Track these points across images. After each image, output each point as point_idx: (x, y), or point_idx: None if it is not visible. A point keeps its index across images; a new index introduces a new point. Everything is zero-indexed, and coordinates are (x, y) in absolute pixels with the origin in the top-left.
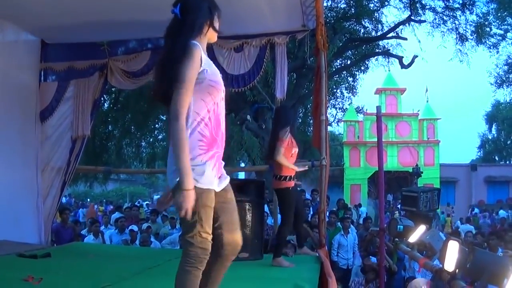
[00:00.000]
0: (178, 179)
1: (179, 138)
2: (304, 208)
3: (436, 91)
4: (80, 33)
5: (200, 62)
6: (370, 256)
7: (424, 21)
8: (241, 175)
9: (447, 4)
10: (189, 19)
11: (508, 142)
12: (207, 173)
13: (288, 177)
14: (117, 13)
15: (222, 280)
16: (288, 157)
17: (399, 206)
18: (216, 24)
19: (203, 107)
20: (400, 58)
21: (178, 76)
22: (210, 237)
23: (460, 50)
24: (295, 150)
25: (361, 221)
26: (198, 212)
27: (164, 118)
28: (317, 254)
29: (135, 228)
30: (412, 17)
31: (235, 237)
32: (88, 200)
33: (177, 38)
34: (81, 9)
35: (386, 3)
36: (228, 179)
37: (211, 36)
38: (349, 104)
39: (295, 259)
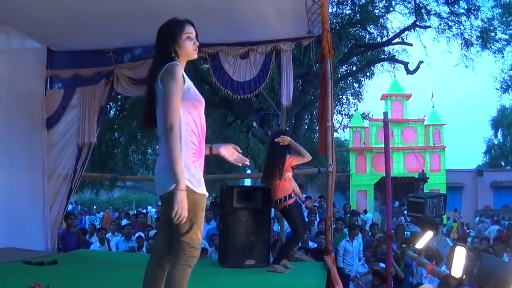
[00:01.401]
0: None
1: (175, 144)
2: (304, 224)
3: (442, 96)
4: (86, 40)
5: (184, 80)
6: (379, 262)
7: (429, 26)
8: (247, 182)
9: (452, 9)
10: (158, 53)
11: None
12: (201, 180)
13: (283, 198)
14: (122, 20)
15: (230, 286)
16: (285, 177)
17: (405, 212)
18: (185, 44)
19: (190, 119)
20: (405, 64)
21: (165, 95)
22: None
23: (466, 56)
24: (289, 174)
25: (367, 227)
26: (196, 215)
27: None
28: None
29: (142, 235)
30: (417, 23)
31: None
32: (95, 207)
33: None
34: (87, 17)
35: (391, 9)
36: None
37: (186, 55)
38: (354, 110)
39: (302, 265)
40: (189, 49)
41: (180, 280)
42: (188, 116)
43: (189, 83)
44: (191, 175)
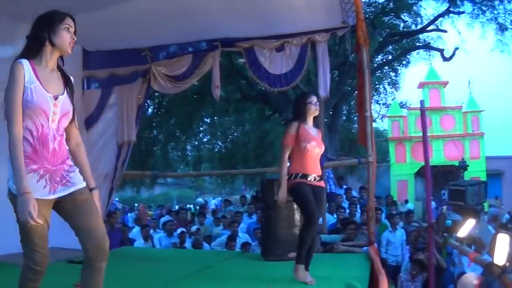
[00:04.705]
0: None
1: (13, 149)
2: (320, 212)
3: (479, 82)
4: (121, 40)
5: (24, 79)
6: (420, 252)
7: (463, 12)
8: None
9: None
10: (28, 37)
11: None
12: (32, 184)
13: (293, 175)
14: (156, 18)
15: (274, 280)
16: (296, 153)
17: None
18: (62, 33)
19: (24, 126)
20: (441, 51)
21: (5, 97)
22: (38, 247)
23: (501, 40)
24: (306, 144)
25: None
26: (19, 222)
27: (208, 121)
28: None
29: (185, 230)
30: (451, 9)
31: (95, 240)
32: (136, 205)
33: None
34: (120, 17)
35: None
36: (74, 186)
37: (60, 46)
38: (392, 100)
39: (344, 257)
40: (65, 41)
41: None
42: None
43: (31, 84)
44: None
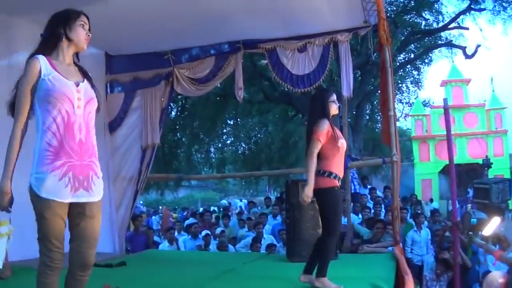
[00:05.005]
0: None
1: (12, 139)
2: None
3: (502, 79)
4: (143, 43)
5: (39, 73)
6: (446, 251)
7: (484, 9)
8: None
9: None
10: (44, 34)
11: None
12: (48, 184)
13: (332, 174)
14: (178, 22)
15: (299, 281)
16: (330, 152)
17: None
18: (78, 29)
19: (48, 116)
20: (463, 49)
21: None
22: (55, 247)
23: None
24: (342, 141)
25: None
26: (37, 220)
27: (232, 123)
28: None
29: (209, 233)
30: (472, 6)
31: (81, 258)
32: (160, 207)
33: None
34: (142, 21)
35: None
36: (92, 197)
37: (77, 42)
38: (415, 98)
39: (370, 257)
40: (81, 36)
41: (38, 283)
42: (45, 113)
43: (49, 75)
44: (37, 178)
